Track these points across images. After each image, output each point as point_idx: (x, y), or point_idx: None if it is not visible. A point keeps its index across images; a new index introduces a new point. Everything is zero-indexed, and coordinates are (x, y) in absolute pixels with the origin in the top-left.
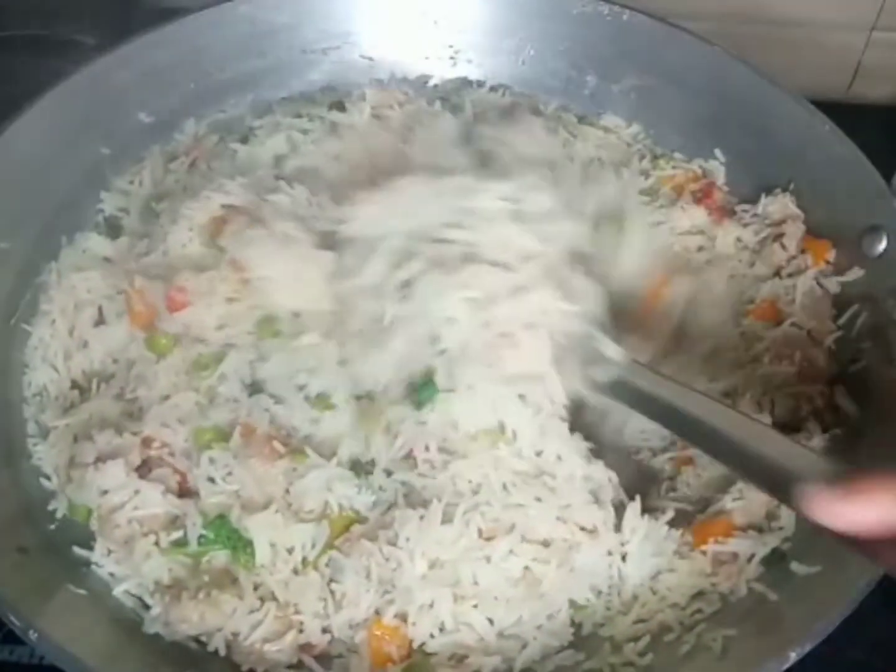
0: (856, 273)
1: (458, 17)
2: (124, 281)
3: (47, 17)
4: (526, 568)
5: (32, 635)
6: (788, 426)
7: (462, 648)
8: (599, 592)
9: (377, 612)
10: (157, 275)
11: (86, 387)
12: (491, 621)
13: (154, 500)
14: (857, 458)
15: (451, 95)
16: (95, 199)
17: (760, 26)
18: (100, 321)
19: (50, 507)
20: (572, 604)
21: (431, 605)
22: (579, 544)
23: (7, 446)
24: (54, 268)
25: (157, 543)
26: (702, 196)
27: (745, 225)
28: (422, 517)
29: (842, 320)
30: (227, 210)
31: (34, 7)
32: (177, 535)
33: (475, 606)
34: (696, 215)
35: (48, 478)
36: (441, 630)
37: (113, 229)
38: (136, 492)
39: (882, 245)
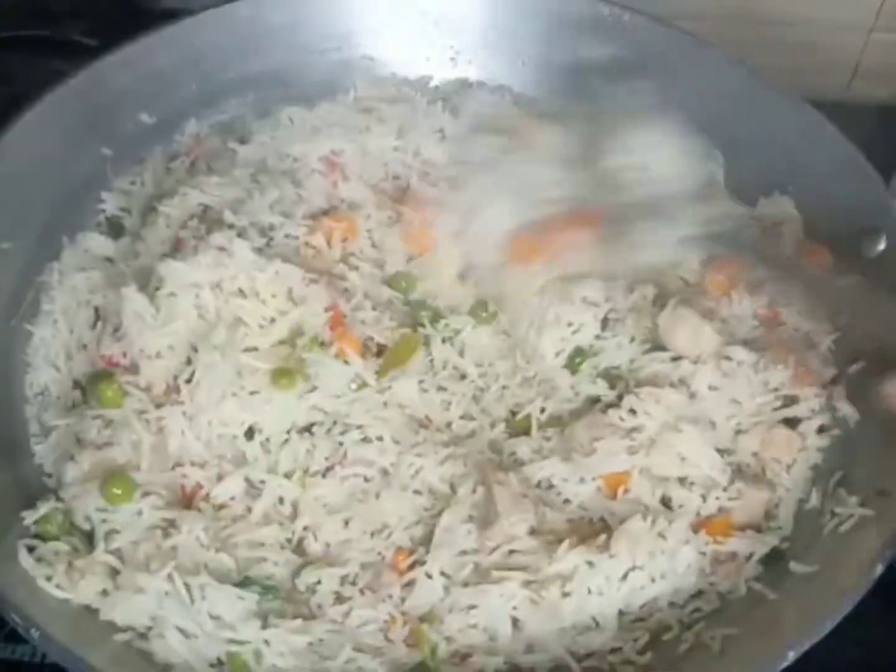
0: (853, 279)
1: (458, 17)
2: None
3: (48, 18)
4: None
5: (34, 634)
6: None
7: (466, 648)
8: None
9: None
10: None
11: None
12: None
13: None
14: (855, 459)
15: (452, 96)
16: (97, 199)
17: (760, 27)
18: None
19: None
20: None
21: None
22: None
23: (9, 446)
24: (56, 268)
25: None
26: None
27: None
28: None
29: (841, 322)
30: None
31: (35, 7)
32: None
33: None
34: None
35: (50, 476)
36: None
37: (114, 229)
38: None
39: (881, 246)
